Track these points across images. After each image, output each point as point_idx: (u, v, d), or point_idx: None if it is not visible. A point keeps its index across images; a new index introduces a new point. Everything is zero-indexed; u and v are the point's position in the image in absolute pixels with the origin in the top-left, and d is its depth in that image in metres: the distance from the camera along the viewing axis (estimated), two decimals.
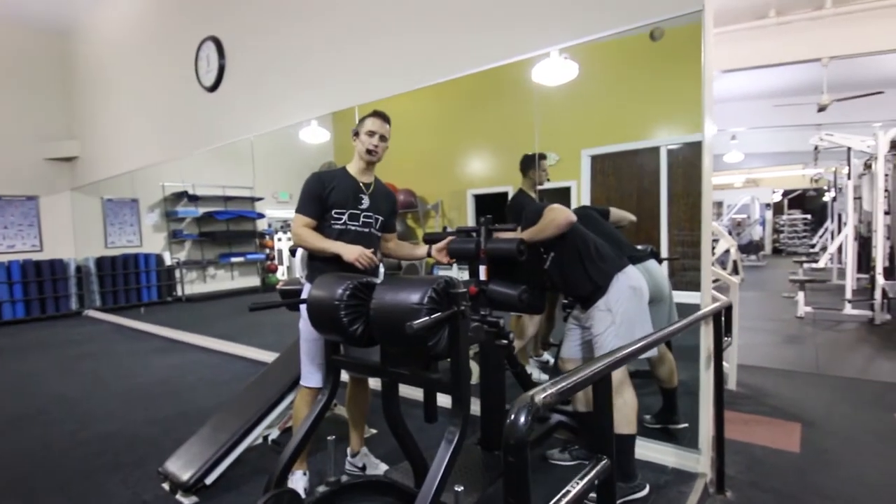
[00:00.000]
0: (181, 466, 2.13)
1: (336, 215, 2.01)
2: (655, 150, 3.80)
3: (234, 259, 8.25)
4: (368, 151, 2.04)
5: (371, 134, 2.03)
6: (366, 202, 2.07)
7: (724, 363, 3.12)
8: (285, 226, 8.24)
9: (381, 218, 2.12)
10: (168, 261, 7.87)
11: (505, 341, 2.00)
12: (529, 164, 3.19)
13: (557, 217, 2.03)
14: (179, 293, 7.92)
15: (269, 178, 7.19)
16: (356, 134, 2.07)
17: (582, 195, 3.80)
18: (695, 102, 2.31)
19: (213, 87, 4.67)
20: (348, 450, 2.27)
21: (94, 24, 6.78)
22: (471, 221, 5.20)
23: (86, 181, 7.33)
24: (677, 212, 3.92)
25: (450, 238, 2.13)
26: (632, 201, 3.97)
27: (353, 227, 2.03)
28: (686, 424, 2.48)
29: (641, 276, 2.13)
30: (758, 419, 2.84)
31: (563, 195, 3.72)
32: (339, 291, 1.59)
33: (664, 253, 3.41)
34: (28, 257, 7.10)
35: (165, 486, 2.15)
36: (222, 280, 8.34)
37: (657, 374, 2.51)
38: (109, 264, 7.39)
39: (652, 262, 2.51)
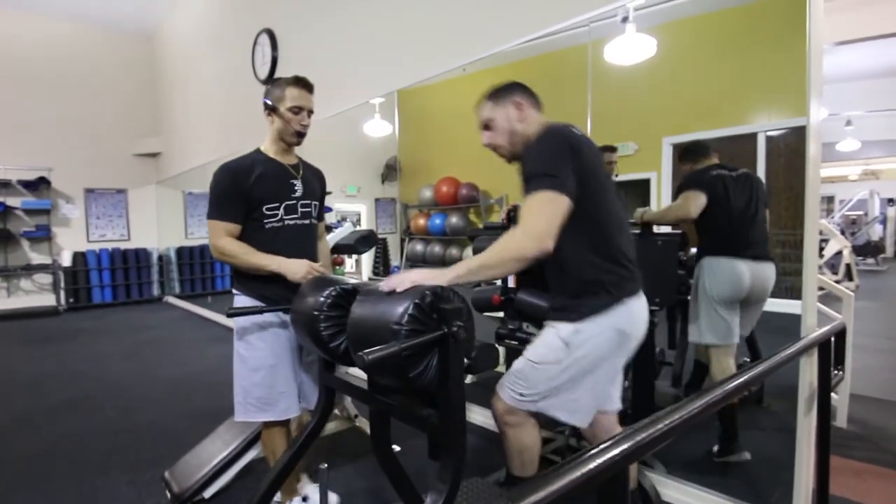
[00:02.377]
0: (181, 475, 2.00)
1: (269, 211, 1.62)
2: (752, 136, 3.29)
3: None
4: (298, 134, 1.65)
5: (297, 111, 1.62)
6: (300, 188, 1.70)
7: (833, 394, 2.53)
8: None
9: (316, 203, 1.79)
10: None
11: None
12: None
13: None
14: None
15: (336, 172, 7.23)
16: (273, 109, 1.64)
17: (663, 188, 3.37)
18: (800, 80, 1.89)
19: (268, 80, 4.65)
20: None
21: (172, 26, 7.13)
22: None
23: (168, 175, 7.78)
24: (777, 208, 3.36)
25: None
26: None
27: (290, 222, 1.67)
28: (748, 456, 2.05)
29: (643, 321, 1.52)
30: (875, 471, 2.23)
31: (641, 188, 3.33)
32: (321, 299, 1.32)
33: None
34: (117, 246, 7.67)
35: (168, 493, 2.03)
36: None
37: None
38: (188, 254, 7.79)
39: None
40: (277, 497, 1.95)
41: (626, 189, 3.20)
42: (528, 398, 1.39)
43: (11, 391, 3.50)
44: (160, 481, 2.11)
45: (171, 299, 7.90)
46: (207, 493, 1.96)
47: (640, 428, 0.72)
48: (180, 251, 7.81)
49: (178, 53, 7.06)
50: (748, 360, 2.69)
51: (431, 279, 1.15)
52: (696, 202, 2.14)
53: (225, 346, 4.77)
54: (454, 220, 4.59)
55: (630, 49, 2.67)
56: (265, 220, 1.63)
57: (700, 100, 3.55)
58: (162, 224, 8.21)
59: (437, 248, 4.67)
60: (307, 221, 1.73)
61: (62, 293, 7.16)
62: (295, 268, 1.56)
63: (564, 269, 1.37)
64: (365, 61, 3.66)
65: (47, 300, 7.14)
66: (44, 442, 2.63)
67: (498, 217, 5.71)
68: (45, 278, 7.19)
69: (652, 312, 2.40)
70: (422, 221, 4.81)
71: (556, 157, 1.25)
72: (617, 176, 3.07)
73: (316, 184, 1.79)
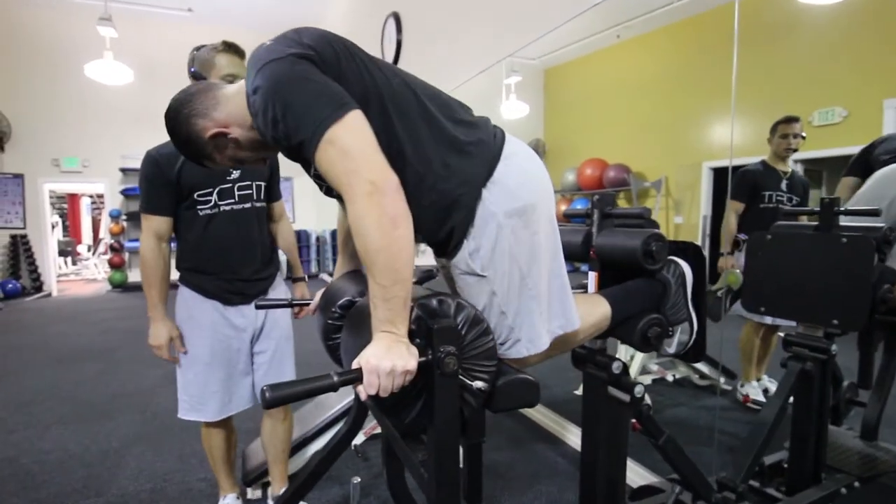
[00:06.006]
0: (253, 454, 2.03)
1: (201, 198, 1.51)
2: None
3: None
4: None
5: (231, 80, 1.41)
6: (236, 170, 1.55)
7: None
8: None
9: (261, 183, 1.61)
10: None
11: (626, 396, 1.28)
12: (770, 130, 2.51)
13: None
14: None
15: None
16: (201, 80, 1.44)
17: None
18: None
19: (394, 63, 4.68)
20: (269, 491, 1.86)
21: (323, 22, 7.72)
22: (705, 202, 4.21)
23: None
24: None
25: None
26: None
27: (226, 208, 1.54)
28: None
29: (533, 171, 0.95)
30: None
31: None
32: (328, 322, 1.09)
33: None
34: None
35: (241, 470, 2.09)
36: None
37: None
38: None
39: None
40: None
41: (828, 167, 2.61)
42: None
43: None
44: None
45: (324, 276, 8.74)
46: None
47: None
48: (335, 233, 8.57)
49: None
50: (854, 382, 1.96)
51: (389, 351, 0.75)
52: None
53: None
54: None
55: None
56: (198, 207, 1.52)
57: None
58: (321, 209, 9.08)
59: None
60: (247, 205, 1.58)
61: None
62: (154, 334, 1.53)
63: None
64: (493, 31, 3.41)
65: None
66: (175, 402, 2.86)
67: (654, 202, 5.02)
68: None
69: (829, 337, 1.75)
70: (561, 207, 4.53)
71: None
72: (796, 150, 2.41)
73: None
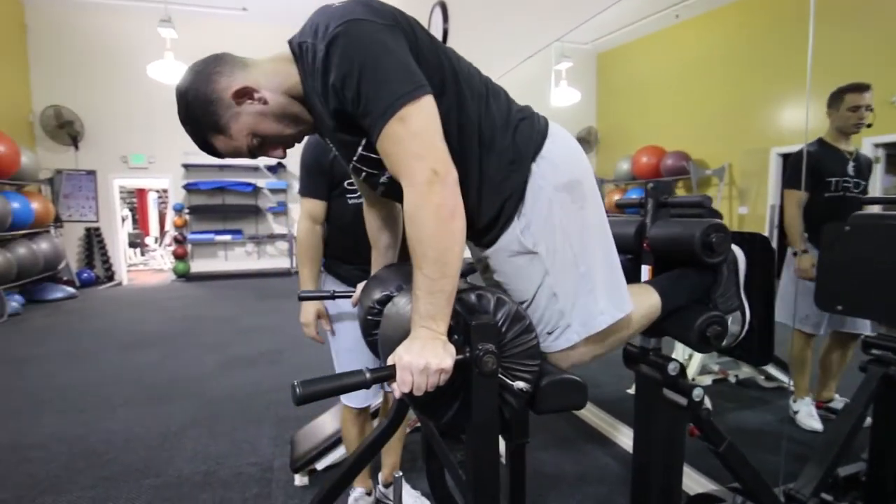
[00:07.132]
0: (301, 441, 2.06)
1: (350, 187, 1.52)
2: None
3: None
4: None
5: None
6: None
7: None
8: None
9: None
10: None
11: (683, 399, 1.20)
12: (830, 101, 2.16)
13: None
14: None
15: None
16: None
17: None
18: None
19: None
20: (380, 476, 1.87)
21: None
22: (773, 190, 3.97)
23: None
24: None
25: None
26: None
27: None
28: None
29: (575, 149, 0.95)
30: None
31: None
32: (368, 318, 1.07)
33: None
34: None
35: (290, 455, 2.13)
36: None
37: None
38: None
39: None
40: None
41: None
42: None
43: (230, 340, 4.28)
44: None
45: None
46: (320, 465, 1.98)
47: None
48: None
49: None
50: None
51: (424, 348, 0.71)
52: None
53: None
54: None
55: None
56: (347, 196, 1.55)
57: None
58: None
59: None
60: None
61: (294, 258, 8.65)
62: (303, 311, 1.57)
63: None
64: (541, 15, 3.31)
65: (284, 263, 8.74)
66: (229, 387, 3.09)
67: (716, 191, 4.77)
68: (283, 245, 8.80)
69: None
70: (614, 197, 4.34)
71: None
72: (869, 126, 2.12)
73: None
